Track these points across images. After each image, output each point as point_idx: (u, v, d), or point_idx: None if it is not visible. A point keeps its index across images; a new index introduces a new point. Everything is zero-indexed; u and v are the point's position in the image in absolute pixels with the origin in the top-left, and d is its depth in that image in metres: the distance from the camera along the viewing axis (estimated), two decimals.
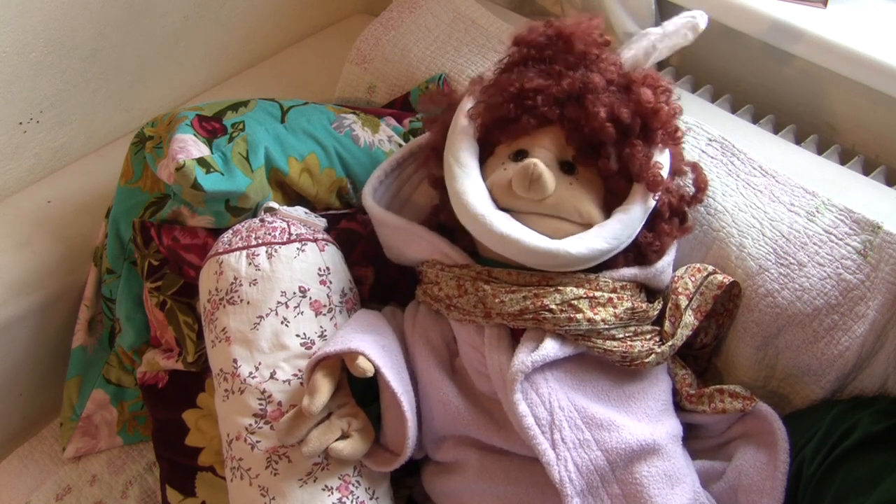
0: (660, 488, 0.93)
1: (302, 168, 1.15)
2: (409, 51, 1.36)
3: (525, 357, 0.94)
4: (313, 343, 1.01)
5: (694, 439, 1.06)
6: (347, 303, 1.07)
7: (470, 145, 1.03)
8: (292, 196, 1.17)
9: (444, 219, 1.05)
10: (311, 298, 1.03)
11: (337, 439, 0.96)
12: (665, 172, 1.01)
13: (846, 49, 1.18)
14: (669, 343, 1.00)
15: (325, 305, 1.03)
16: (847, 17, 1.24)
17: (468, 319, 0.99)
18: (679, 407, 1.04)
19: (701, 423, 1.05)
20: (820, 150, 1.26)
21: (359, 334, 0.98)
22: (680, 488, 0.95)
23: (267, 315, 1.01)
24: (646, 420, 0.97)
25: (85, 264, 1.24)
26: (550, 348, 0.95)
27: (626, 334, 0.98)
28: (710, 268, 1.07)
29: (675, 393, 1.05)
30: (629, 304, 0.98)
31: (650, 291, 1.05)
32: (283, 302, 1.01)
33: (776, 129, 1.29)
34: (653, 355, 0.98)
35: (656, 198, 1.01)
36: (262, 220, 1.07)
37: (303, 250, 1.04)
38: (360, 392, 1.02)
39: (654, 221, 1.02)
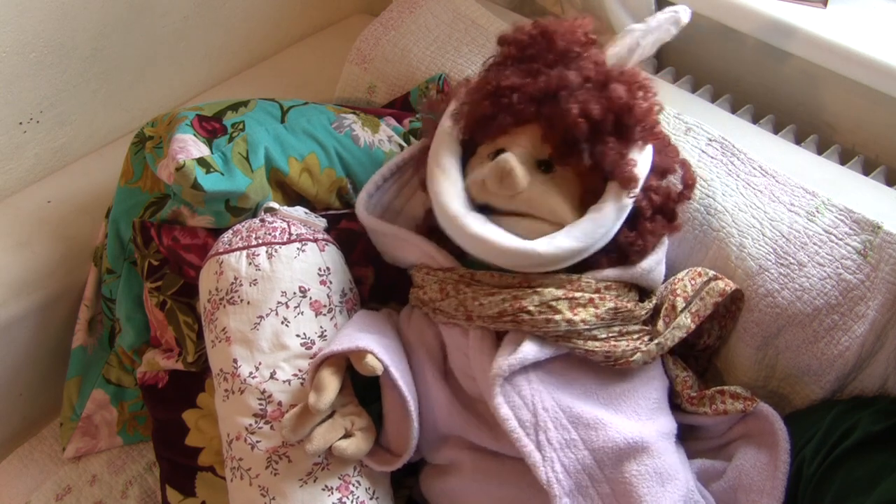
0: (650, 486, 0.92)
1: (302, 168, 1.15)
2: (409, 51, 1.36)
3: (503, 360, 0.94)
4: (313, 343, 1.01)
5: (695, 440, 1.06)
6: (347, 303, 1.07)
7: (451, 147, 1.02)
8: (292, 196, 1.17)
9: (434, 222, 1.05)
10: (311, 298, 1.03)
11: (340, 438, 0.96)
12: (643, 170, 0.99)
13: (846, 49, 1.18)
14: (657, 341, 0.99)
15: (325, 305, 1.03)
16: (847, 16, 1.24)
17: (452, 322, 1.00)
18: (680, 409, 1.04)
19: (702, 424, 1.05)
20: (820, 150, 1.26)
21: (364, 333, 0.99)
22: (671, 486, 0.94)
23: (267, 315, 1.01)
24: (635, 418, 0.97)
25: (85, 264, 1.25)
26: (529, 350, 0.95)
27: (610, 334, 0.98)
28: (712, 273, 1.06)
29: (676, 395, 1.05)
30: (612, 305, 0.98)
31: (643, 291, 1.05)
32: (283, 302, 1.01)
33: (776, 129, 1.29)
34: (638, 354, 0.98)
35: (632, 196, 0.98)
36: (262, 220, 1.07)
37: (303, 250, 1.04)
38: (360, 392, 1.02)
39: (636, 220, 1.00)
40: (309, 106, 1.22)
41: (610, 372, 0.99)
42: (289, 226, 1.06)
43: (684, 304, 1.02)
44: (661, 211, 1.03)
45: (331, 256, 1.07)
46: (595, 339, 0.97)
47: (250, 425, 0.98)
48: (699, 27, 1.39)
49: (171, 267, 1.11)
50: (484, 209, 0.99)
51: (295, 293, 1.02)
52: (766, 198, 1.10)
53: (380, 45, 1.38)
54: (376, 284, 1.15)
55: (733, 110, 1.32)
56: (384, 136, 1.23)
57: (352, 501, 0.97)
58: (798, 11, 1.24)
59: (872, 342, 1.01)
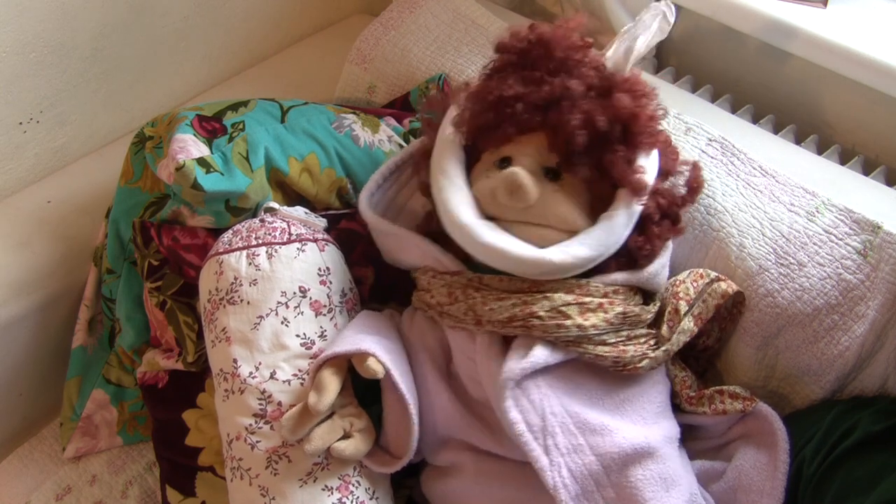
0: (654, 491, 0.92)
1: (302, 168, 1.15)
2: (409, 51, 1.36)
3: (514, 364, 0.94)
4: (313, 343, 1.01)
5: (694, 440, 1.06)
6: (347, 303, 1.07)
7: (455, 154, 1.02)
8: (292, 196, 1.17)
9: (436, 226, 1.05)
10: (311, 298, 1.03)
11: (339, 439, 0.96)
12: (651, 176, 0.99)
13: (846, 49, 1.18)
14: (664, 348, 0.99)
15: (325, 305, 1.03)
16: (847, 16, 1.24)
17: (460, 326, 0.99)
18: (679, 409, 1.04)
19: (701, 424, 1.05)
20: (820, 150, 1.26)
21: (366, 335, 0.98)
22: (676, 491, 0.94)
23: (267, 315, 1.01)
24: (641, 423, 0.97)
25: (85, 264, 1.24)
26: (540, 355, 0.95)
27: (619, 339, 0.98)
28: (714, 274, 1.06)
29: (675, 395, 1.04)
30: (620, 309, 0.98)
31: (646, 294, 1.05)
32: (283, 302, 1.01)
33: (776, 129, 1.29)
34: (646, 360, 0.98)
35: (642, 202, 0.99)
36: (262, 221, 1.07)
37: (303, 250, 1.04)
38: (360, 394, 1.02)
39: (644, 225, 1.01)
40: (309, 106, 1.22)
41: (615, 377, 0.99)
42: (289, 226, 1.06)
43: (687, 308, 1.02)
44: (667, 214, 1.03)
45: (331, 256, 1.07)
46: (604, 343, 0.97)
47: (250, 425, 0.98)
48: (699, 27, 1.39)
49: (171, 267, 1.11)
50: (491, 216, 0.99)
51: (295, 293, 1.02)
52: (766, 198, 1.10)
53: (380, 45, 1.38)
54: (376, 284, 1.14)
55: (733, 110, 1.32)
56: (384, 136, 1.23)
57: (352, 501, 0.97)
58: (798, 11, 1.24)
59: (872, 342, 1.01)
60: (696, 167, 1.07)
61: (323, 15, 1.63)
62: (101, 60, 1.32)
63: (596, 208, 0.99)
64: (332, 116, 1.21)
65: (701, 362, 1.11)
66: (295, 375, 1.00)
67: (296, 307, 1.02)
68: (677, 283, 1.05)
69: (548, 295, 0.96)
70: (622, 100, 0.97)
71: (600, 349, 0.96)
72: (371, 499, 0.99)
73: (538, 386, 0.95)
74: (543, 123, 0.97)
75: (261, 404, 0.99)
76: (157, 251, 1.11)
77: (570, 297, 0.96)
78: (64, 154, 1.36)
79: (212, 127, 1.12)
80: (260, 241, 1.04)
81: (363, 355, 0.95)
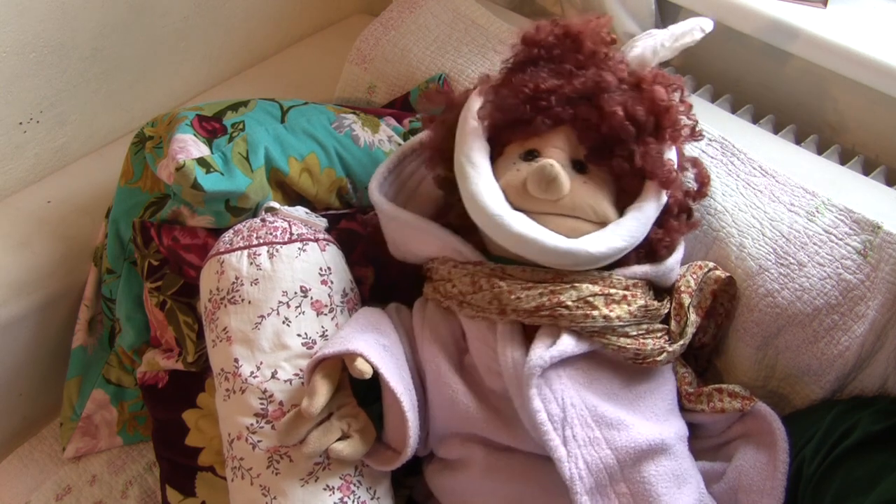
0: (667, 487, 0.93)
1: (302, 168, 1.15)
2: (409, 51, 1.36)
3: (543, 352, 0.94)
4: (314, 343, 1.01)
5: (693, 439, 1.06)
6: (349, 302, 1.07)
7: (481, 146, 1.02)
8: (292, 196, 1.17)
9: (452, 219, 1.05)
10: (312, 298, 1.03)
11: (337, 440, 0.96)
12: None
13: (846, 49, 1.19)
14: (680, 342, 1.00)
15: (326, 305, 1.03)
16: (847, 16, 1.24)
17: (481, 316, 0.99)
18: (679, 408, 1.04)
19: (700, 422, 1.05)
20: (820, 150, 1.26)
21: (359, 334, 0.98)
22: (687, 488, 0.95)
23: (268, 315, 1.01)
24: (654, 419, 0.97)
25: (85, 264, 1.24)
26: (567, 344, 0.95)
27: (640, 332, 0.98)
28: (711, 264, 1.07)
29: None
30: (642, 302, 0.99)
31: (657, 290, 1.05)
32: (284, 301, 1.01)
33: (776, 129, 1.29)
34: (664, 353, 0.99)
35: (669, 195, 1.02)
36: (263, 220, 1.07)
37: (304, 250, 1.04)
38: (363, 391, 1.02)
39: (664, 218, 1.03)
40: (309, 106, 1.22)
41: (631, 372, 0.99)
42: (290, 225, 1.06)
43: (689, 300, 1.03)
44: (682, 208, 1.05)
45: (332, 256, 1.07)
46: (627, 335, 0.98)
47: (251, 425, 0.98)
48: None
49: (171, 267, 1.11)
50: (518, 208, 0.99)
51: (296, 293, 1.02)
52: (766, 198, 1.10)
53: (380, 45, 1.38)
54: (376, 284, 1.15)
55: (733, 110, 1.32)
56: (384, 136, 1.23)
57: (353, 501, 0.97)
58: (798, 11, 1.24)
59: (872, 342, 1.01)
60: (697, 163, 1.09)
61: (323, 15, 1.64)
62: (101, 60, 1.32)
63: (621, 200, 1.01)
64: (332, 116, 1.21)
65: (700, 361, 1.12)
66: (296, 375, 1.00)
67: (297, 307, 1.02)
68: (678, 277, 1.06)
69: (575, 285, 0.97)
70: (658, 91, 0.99)
71: (623, 341, 0.97)
72: (372, 498, 0.99)
73: (559, 377, 0.95)
74: (574, 116, 0.98)
75: (262, 404, 0.98)
76: (157, 251, 1.11)
77: (596, 288, 0.97)
78: (64, 154, 1.36)
79: (212, 127, 1.12)
80: (261, 241, 1.04)
81: (352, 356, 0.95)
